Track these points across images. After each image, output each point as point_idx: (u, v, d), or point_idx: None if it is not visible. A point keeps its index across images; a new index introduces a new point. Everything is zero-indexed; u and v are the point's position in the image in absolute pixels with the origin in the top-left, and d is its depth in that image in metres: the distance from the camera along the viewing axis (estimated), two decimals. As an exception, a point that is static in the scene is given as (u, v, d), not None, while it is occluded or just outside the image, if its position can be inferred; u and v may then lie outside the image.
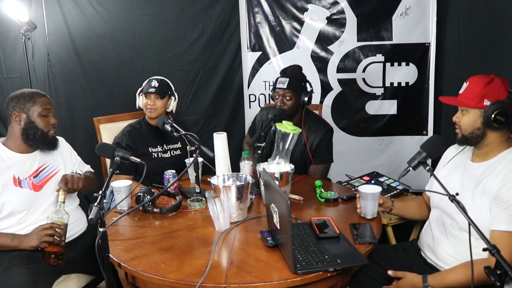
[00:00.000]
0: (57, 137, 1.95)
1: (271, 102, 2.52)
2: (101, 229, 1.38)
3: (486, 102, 1.46)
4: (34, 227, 1.71)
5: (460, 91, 1.55)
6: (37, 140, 1.80)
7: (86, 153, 2.10)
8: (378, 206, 1.73)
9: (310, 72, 3.16)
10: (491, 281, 1.13)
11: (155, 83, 2.39)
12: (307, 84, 2.40)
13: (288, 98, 2.32)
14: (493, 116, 1.44)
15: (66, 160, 1.97)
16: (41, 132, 1.81)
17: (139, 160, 1.70)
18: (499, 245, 1.31)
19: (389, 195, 2.37)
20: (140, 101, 2.44)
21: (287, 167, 1.92)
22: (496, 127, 1.46)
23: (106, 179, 1.53)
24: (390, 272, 1.57)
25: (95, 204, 1.38)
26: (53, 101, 1.90)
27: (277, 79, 2.37)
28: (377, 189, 1.72)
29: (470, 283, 1.41)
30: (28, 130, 1.79)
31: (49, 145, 1.86)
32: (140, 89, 2.45)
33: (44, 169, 1.86)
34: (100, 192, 1.42)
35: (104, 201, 2.18)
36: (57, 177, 1.87)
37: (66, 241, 1.86)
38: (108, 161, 2.55)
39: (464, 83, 1.54)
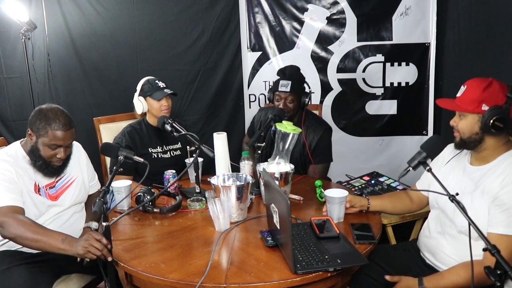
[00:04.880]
0: (75, 143, 1.91)
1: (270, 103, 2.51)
2: (104, 224, 1.38)
3: (484, 107, 1.44)
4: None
5: (458, 94, 1.53)
6: (38, 166, 1.73)
7: (87, 153, 2.09)
8: (344, 210, 1.73)
9: (310, 72, 3.16)
10: (488, 282, 1.13)
11: (162, 84, 2.35)
12: (306, 85, 2.40)
13: (290, 101, 2.32)
14: (491, 122, 1.42)
15: (83, 167, 1.94)
16: (43, 161, 1.72)
17: (142, 160, 1.69)
18: None
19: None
20: (147, 104, 2.33)
21: (287, 167, 1.92)
22: (494, 132, 1.45)
23: (106, 178, 1.53)
24: (387, 277, 1.55)
25: (99, 197, 1.38)
26: (73, 134, 1.74)
27: (277, 82, 2.35)
28: (344, 193, 1.72)
29: (466, 285, 1.41)
30: (31, 154, 1.72)
31: (51, 173, 1.77)
32: (141, 92, 2.34)
33: (60, 179, 1.83)
34: (104, 187, 1.42)
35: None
36: (74, 186, 1.86)
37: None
38: (108, 161, 2.55)
39: (462, 87, 1.52)
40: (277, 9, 3.13)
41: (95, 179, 2.04)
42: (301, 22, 3.14)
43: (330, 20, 3.12)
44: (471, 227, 1.20)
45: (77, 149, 1.94)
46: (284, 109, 2.31)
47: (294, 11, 3.13)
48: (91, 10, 2.94)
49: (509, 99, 1.42)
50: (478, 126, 1.48)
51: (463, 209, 1.24)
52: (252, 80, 3.25)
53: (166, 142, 2.41)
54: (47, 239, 1.50)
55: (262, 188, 1.91)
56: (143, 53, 3.04)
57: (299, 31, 3.15)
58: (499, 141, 1.49)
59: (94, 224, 1.81)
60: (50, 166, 1.75)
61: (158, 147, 2.37)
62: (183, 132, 2.06)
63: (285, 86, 2.30)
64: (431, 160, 1.68)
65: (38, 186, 1.75)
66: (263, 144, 2.09)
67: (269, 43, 3.19)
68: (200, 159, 2.14)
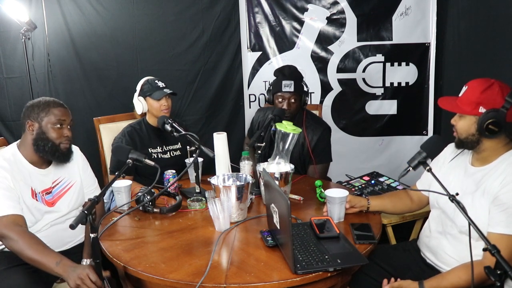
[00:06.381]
0: (73, 146, 1.89)
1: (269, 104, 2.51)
2: (92, 235, 1.37)
3: (482, 109, 1.43)
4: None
5: (460, 94, 1.53)
6: (47, 152, 1.72)
7: (86, 154, 2.10)
8: (344, 210, 1.73)
9: (310, 72, 3.16)
10: (488, 282, 1.13)
11: (162, 84, 2.34)
12: (304, 84, 2.40)
13: (293, 100, 2.32)
14: (485, 125, 1.42)
15: (81, 172, 1.91)
16: (52, 143, 1.72)
17: (153, 163, 1.68)
18: None
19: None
20: (147, 104, 2.32)
21: (287, 167, 1.92)
22: (488, 135, 1.44)
23: (106, 178, 1.52)
24: (386, 287, 1.53)
25: (83, 209, 1.34)
26: (71, 114, 1.79)
27: (278, 82, 2.33)
28: (344, 193, 1.72)
29: (466, 286, 1.41)
30: (38, 141, 1.71)
31: (60, 158, 1.78)
32: (141, 92, 2.33)
33: (57, 184, 1.82)
34: (93, 197, 1.39)
35: (105, 201, 2.17)
36: (72, 190, 1.85)
37: (72, 246, 1.85)
38: (108, 161, 2.55)
39: (464, 87, 1.52)
40: (277, 9, 3.13)
41: (94, 184, 2.00)
42: (301, 22, 3.14)
43: (330, 20, 3.12)
44: (471, 227, 1.20)
45: (75, 152, 1.92)
46: (287, 109, 2.31)
47: (294, 11, 3.13)
48: (91, 10, 2.94)
49: (507, 102, 1.39)
50: (474, 128, 1.47)
51: (463, 209, 1.24)
52: (252, 80, 3.25)
53: (166, 142, 2.40)
54: (43, 261, 1.49)
55: (262, 188, 1.91)
56: (143, 53, 3.04)
57: (299, 31, 3.16)
58: (498, 143, 1.48)
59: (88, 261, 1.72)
60: (60, 150, 1.75)
61: (158, 147, 2.37)
62: (183, 132, 2.06)
63: (289, 86, 2.30)
64: (431, 160, 1.68)
65: (35, 191, 1.74)
66: (263, 144, 2.09)
67: (269, 43, 3.19)
68: (200, 159, 2.14)
